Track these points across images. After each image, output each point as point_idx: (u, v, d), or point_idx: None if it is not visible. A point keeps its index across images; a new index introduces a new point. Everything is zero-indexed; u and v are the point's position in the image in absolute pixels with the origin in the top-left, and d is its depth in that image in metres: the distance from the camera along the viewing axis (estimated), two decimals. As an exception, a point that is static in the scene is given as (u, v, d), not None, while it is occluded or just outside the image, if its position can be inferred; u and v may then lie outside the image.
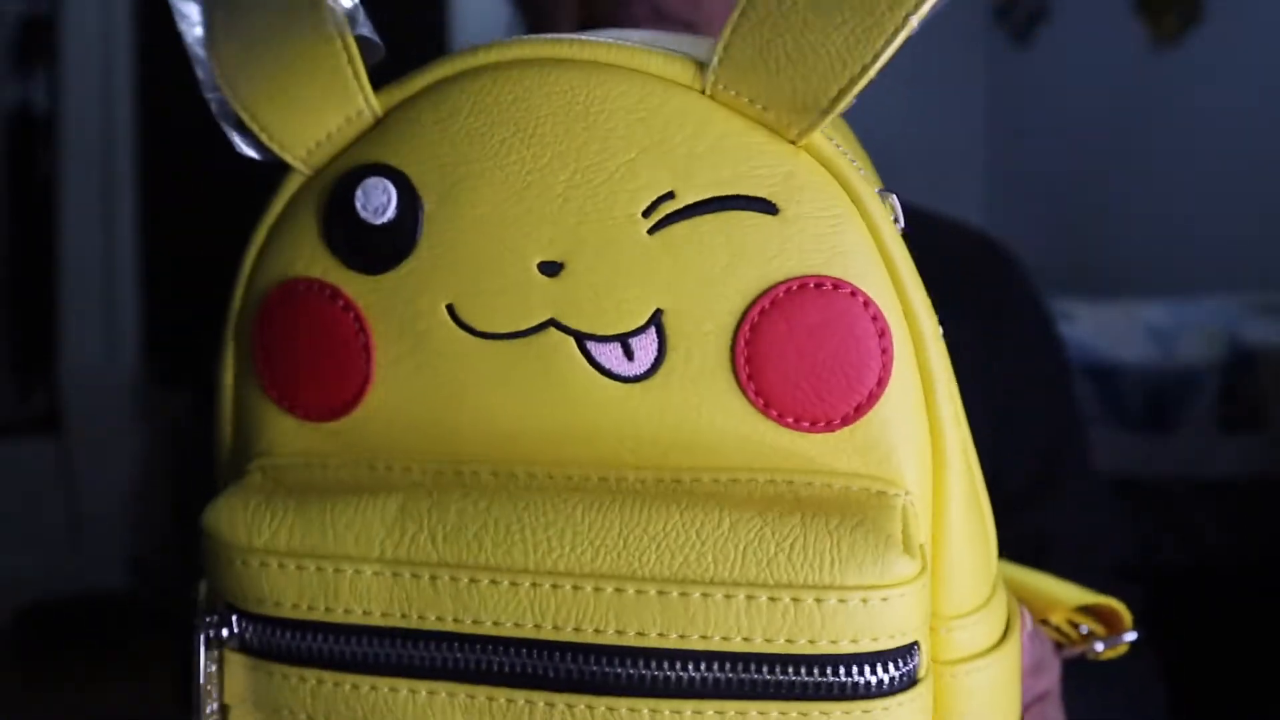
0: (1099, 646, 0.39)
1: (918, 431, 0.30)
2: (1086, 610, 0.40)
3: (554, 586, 0.29)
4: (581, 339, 0.30)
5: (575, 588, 0.29)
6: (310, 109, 0.33)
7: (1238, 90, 2.33)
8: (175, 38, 0.33)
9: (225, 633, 0.31)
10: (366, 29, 0.34)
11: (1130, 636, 0.39)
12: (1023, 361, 0.68)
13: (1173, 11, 2.42)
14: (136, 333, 2.50)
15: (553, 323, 0.30)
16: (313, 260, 0.32)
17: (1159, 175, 2.40)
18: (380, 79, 0.33)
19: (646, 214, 0.30)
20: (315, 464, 0.33)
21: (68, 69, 2.38)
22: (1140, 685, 0.60)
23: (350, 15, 0.33)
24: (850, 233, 0.30)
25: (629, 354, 0.30)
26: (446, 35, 2.38)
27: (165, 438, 2.39)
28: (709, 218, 0.30)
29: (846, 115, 0.30)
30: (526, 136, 0.31)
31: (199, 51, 0.34)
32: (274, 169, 0.33)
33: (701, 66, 0.31)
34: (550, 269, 0.31)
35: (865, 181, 0.30)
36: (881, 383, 0.30)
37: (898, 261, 0.30)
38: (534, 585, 0.29)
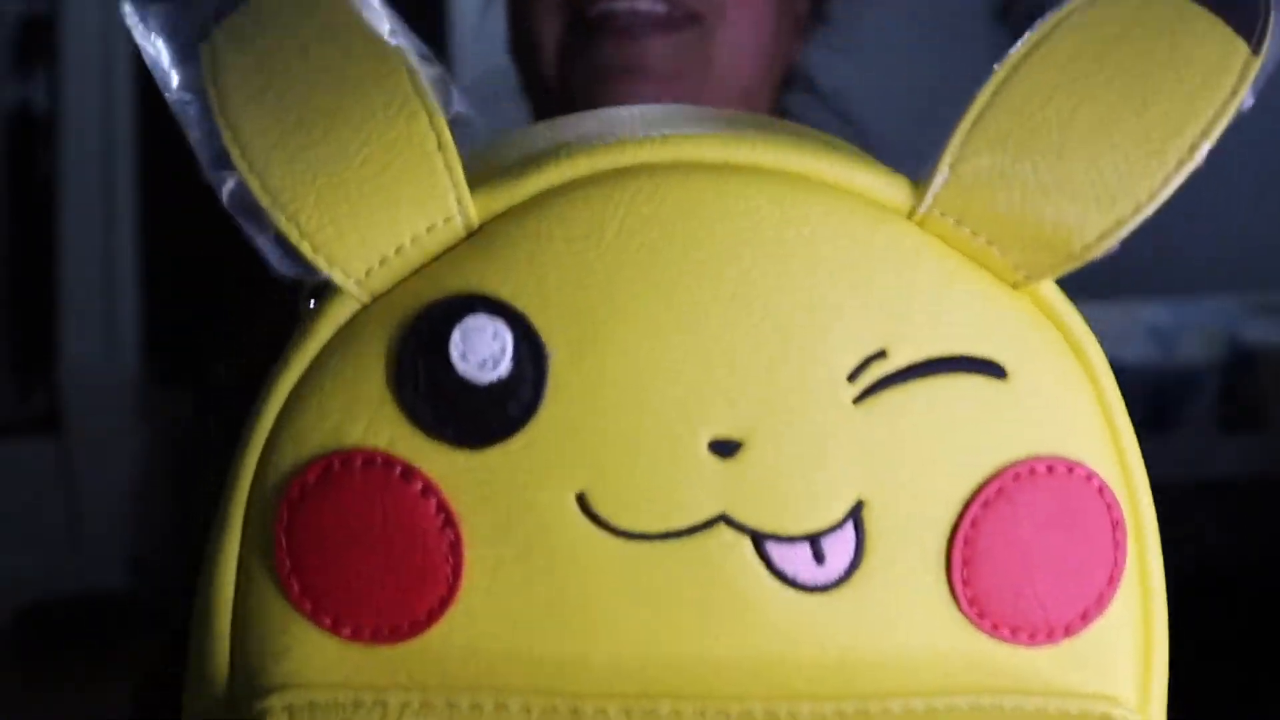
0: None
1: (1138, 634, 0.26)
2: None
3: None
4: (760, 539, 0.24)
5: None
6: (379, 211, 0.24)
7: (1238, 90, 2.33)
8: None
9: None
10: (462, 104, 0.26)
11: None
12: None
13: (1173, 11, 2.42)
14: (136, 333, 2.49)
15: (724, 519, 0.24)
16: (375, 425, 0.24)
17: (1159, 175, 2.40)
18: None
19: (852, 377, 0.24)
20: (367, 702, 0.24)
21: (68, 69, 2.37)
22: None
23: (438, 83, 0.25)
24: (1081, 399, 0.25)
25: (819, 557, 0.24)
26: (446, 40, 2.38)
27: (165, 438, 2.39)
28: (927, 382, 0.24)
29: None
30: (699, 268, 0.24)
31: (188, 111, 0.25)
32: None
33: (913, 185, 0.25)
34: (725, 448, 0.24)
35: (1087, 330, 0.25)
36: (1113, 581, 0.25)
37: (1121, 428, 0.25)
38: None
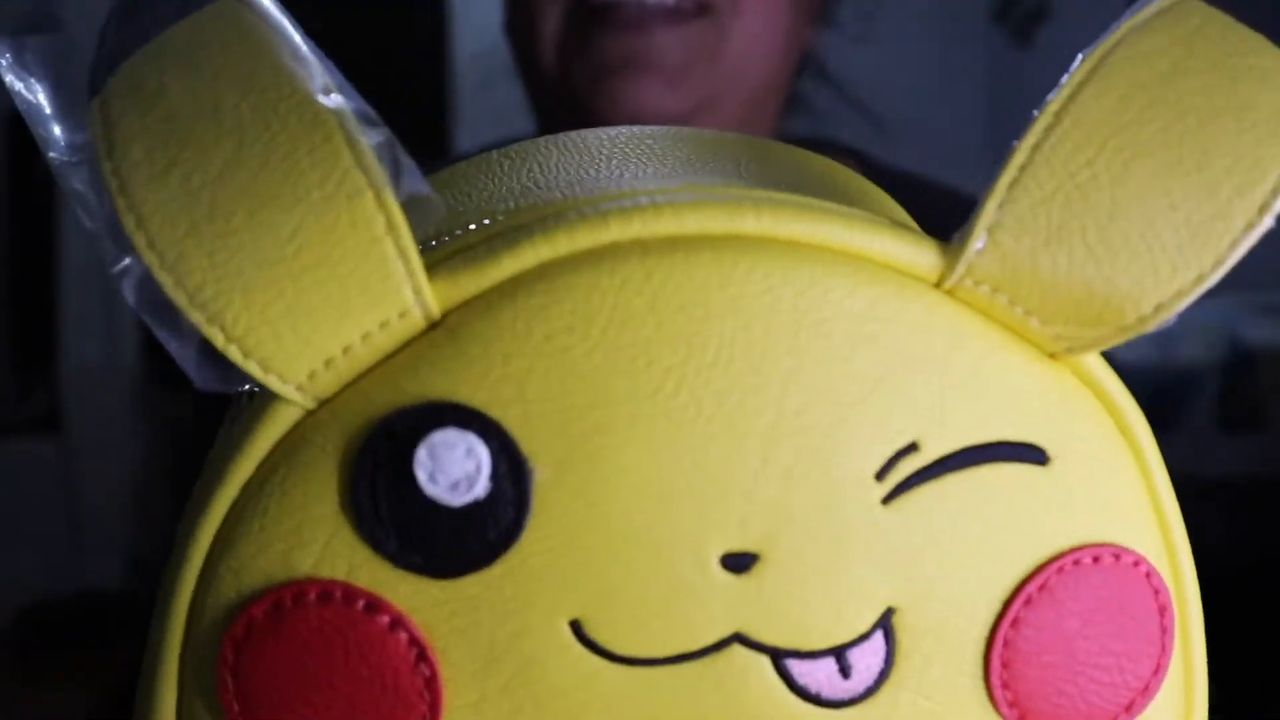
0: None
1: (1179, 717, 0.24)
2: None
3: None
4: (779, 657, 0.22)
5: None
6: (321, 309, 0.20)
7: (1238, 90, 2.33)
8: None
9: None
10: (416, 180, 0.21)
11: None
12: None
13: (1173, 11, 2.42)
14: (136, 333, 2.49)
15: (738, 638, 0.22)
16: (330, 552, 0.21)
17: (1159, 175, 2.40)
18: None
19: (881, 475, 0.22)
20: None
21: (68, 69, 2.38)
22: None
23: (385, 152, 0.21)
24: (1127, 479, 0.24)
25: (845, 670, 0.22)
26: (446, 43, 2.38)
27: (165, 438, 2.39)
28: (963, 474, 0.22)
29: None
30: (704, 365, 0.21)
31: (78, 182, 0.20)
32: None
33: (942, 248, 0.23)
34: (738, 563, 0.21)
35: (1130, 398, 0.24)
36: (1159, 671, 0.23)
37: (1165, 502, 0.24)
38: None
